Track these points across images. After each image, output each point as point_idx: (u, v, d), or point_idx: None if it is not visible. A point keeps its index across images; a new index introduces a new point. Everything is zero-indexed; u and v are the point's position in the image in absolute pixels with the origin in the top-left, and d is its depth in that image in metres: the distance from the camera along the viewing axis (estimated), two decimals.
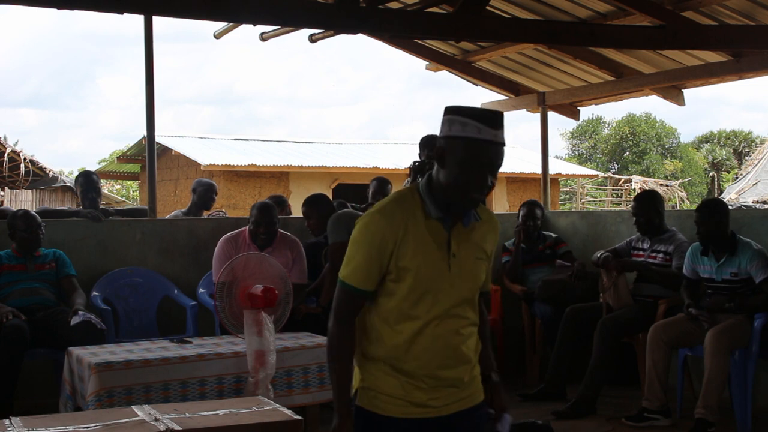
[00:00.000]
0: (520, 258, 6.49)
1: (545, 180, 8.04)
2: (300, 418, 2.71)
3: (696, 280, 5.26)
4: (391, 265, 2.32)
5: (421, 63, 8.00)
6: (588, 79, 7.60)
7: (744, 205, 19.93)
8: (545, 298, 6.21)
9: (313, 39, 7.26)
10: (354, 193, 11.81)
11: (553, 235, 6.71)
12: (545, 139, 8.05)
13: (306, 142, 21.20)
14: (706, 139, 42.00)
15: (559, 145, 74.87)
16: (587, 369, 5.50)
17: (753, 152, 30.37)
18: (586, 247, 6.67)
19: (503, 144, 2.30)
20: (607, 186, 29.19)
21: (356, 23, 5.35)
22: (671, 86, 7.38)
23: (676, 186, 28.07)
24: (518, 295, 6.50)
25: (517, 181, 20.26)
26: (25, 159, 18.64)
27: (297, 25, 5.96)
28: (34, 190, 19.44)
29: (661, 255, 5.64)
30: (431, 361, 2.35)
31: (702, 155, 39.76)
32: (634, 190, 26.50)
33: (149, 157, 6.24)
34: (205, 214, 7.14)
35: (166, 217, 7.09)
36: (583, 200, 27.67)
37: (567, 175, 23.07)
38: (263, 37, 7.37)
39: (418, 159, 5.48)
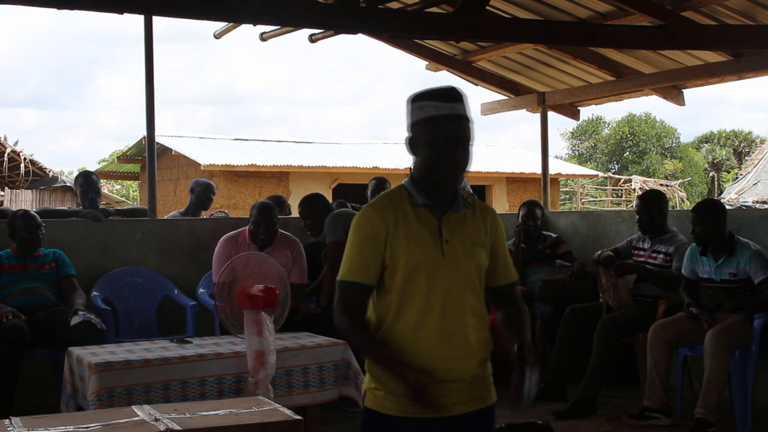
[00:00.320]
0: (520, 258, 6.49)
1: (545, 180, 8.04)
2: (300, 418, 2.71)
3: (695, 280, 5.26)
4: (386, 257, 2.34)
5: (421, 63, 8.01)
6: (588, 79, 7.60)
7: (744, 205, 19.94)
8: (545, 298, 6.21)
9: (313, 39, 7.26)
10: (354, 193, 11.80)
11: (553, 235, 6.71)
12: (545, 139, 8.05)
13: (306, 142, 21.20)
14: (706, 139, 42.01)
15: (559, 145, 74.96)
16: (587, 369, 5.49)
17: (753, 152, 30.37)
18: (586, 247, 6.67)
19: (464, 116, 2.34)
20: (607, 186, 29.20)
21: (356, 23, 5.35)
22: (671, 86, 7.38)
23: (676, 186, 28.06)
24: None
25: (517, 181, 20.27)
26: (25, 159, 18.65)
27: (297, 25, 5.96)
28: (34, 190, 19.44)
29: (661, 256, 5.64)
30: (436, 352, 2.33)
31: (702, 155, 39.76)
32: (634, 190, 26.51)
33: (149, 157, 6.24)
34: (205, 214, 7.14)
35: (165, 218, 7.09)
36: (583, 200, 27.67)
37: (567, 175, 23.08)
38: (263, 37, 7.37)
39: None
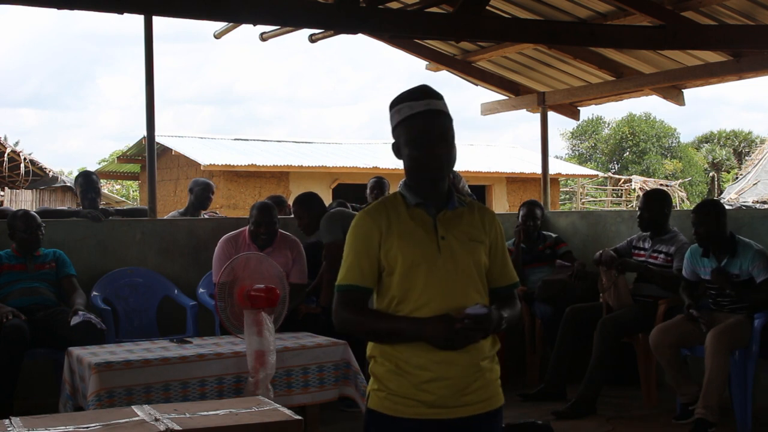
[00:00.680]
0: (520, 258, 6.49)
1: (545, 180, 8.04)
2: (300, 418, 2.70)
3: (695, 281, 5.26)
4: (381, 258, 2.36)
5: (421, 63, 8.01)
6: (588, 79, 7.60)
7: (744, 205, 19.94)
8: (545, 298, 6.21)
9: (313, 39, 7.26)
10: (354, 193, 11.81)
11: (553, 235, 6.71)
12: (545, 139, 8.05)
13: (306, 142, 21.21)
14: (706, 139, 42.01)
15: (559, 145, 74.94)
16: (587, 369, 5.49)
17: (753, 152, 30.37)
18: (586, 247, 6.67)
19: (440, 111, 2.37)
20: (607, 186, 29.20)
21: (356, 23, 5.35)
22: (671, 86, 7.38)
23: (676, 186, 28.07)
24: (518, 295, 6.49)
25: (517, 181, 20.27)
26: (25, 159, 18.66)
27: (297, 25, 5.96)
28: (34, 190, 19.45)
29: (662, 256, 5.64)
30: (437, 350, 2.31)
31: (702, 155, 39.76)
32: (634, 190, 26.52)
33: (149, 157, 6.24)
34: (203, 214, 7.14)
35: (165, 218, 7.09)
36: (583, 200, 27.67)
37: (567, 175, 23.09)
38: (263, 37, 7.37)
39: None
